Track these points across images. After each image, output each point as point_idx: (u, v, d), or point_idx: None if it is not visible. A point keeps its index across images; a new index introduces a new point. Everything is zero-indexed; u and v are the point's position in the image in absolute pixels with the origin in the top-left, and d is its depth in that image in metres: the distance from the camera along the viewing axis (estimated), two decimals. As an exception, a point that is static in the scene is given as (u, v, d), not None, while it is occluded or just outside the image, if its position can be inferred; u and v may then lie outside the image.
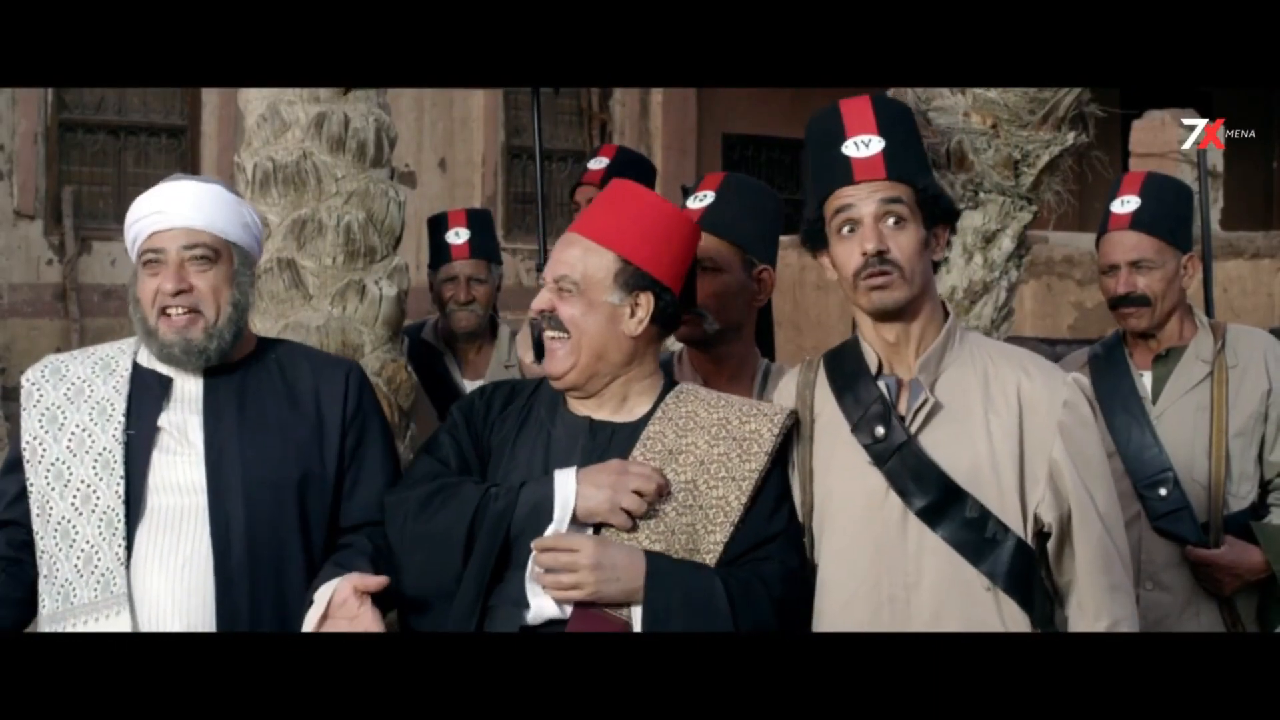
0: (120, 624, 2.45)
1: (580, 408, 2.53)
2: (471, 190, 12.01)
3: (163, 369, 2.64)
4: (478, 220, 4.53)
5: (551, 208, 9.81)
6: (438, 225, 4.50)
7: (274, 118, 3.72)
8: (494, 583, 2.39)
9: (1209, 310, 3.62)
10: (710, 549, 2.39)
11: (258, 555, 2.53)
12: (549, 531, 2.36)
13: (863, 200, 2.37)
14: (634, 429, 2.48)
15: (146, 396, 2.60)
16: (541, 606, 2.35)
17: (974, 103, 3.93)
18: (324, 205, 3.69)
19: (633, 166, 4.41)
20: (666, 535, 2.38)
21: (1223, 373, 3.21)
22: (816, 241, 2.48)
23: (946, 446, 2.35)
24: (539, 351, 2.85)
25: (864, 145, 2.38)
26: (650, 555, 2.35)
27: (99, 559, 2.49)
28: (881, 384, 2.41)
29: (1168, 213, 3.26)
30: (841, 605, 2.40)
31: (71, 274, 10.36)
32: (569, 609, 2.34)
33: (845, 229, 2.39)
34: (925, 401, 2.37)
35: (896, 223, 2.36)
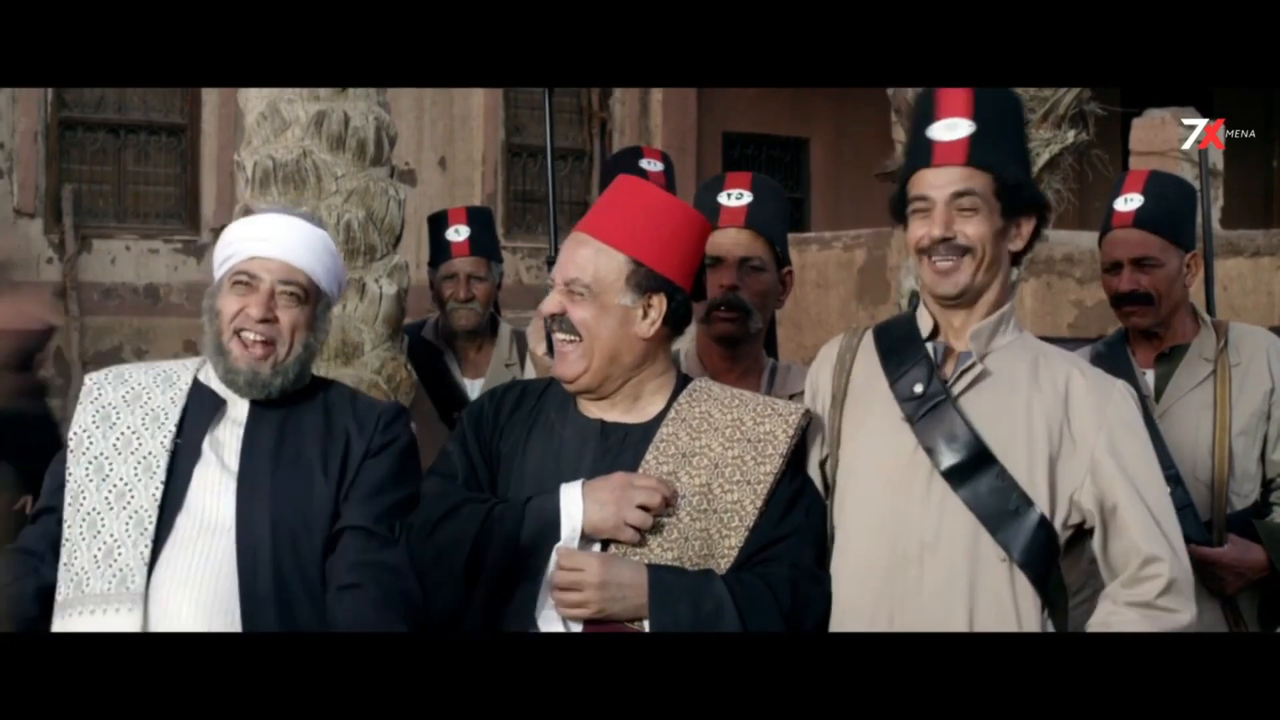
0: (129, 622, 2.45)
1: (591, 409, 2.51)
2: (471, 189, 12.00)
3: (219, 388, 2.67)
4: (478, 218, 4.53)
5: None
6: (438, 223, 4.50)
7: (274, 116, 3.72)
8: (502, 601, 2.38)
9: (1210, 309, 3.62)
10: (725, 554, 2.38)
11: (282, 589, 2.53)
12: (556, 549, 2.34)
13: (937, 184, 2.39)
14: (646, 430, 2.46)
15: (199, 413, 2.64)
16: (550, 628, 2.34)
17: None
18: (324, 203, 3.69)
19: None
20: (680, 542, 2.37)
21: (1226, 371, 3.20)
22: (899, 215, 2.50)
23: (983, 414, 2.37)
24: (552, 346, 2.85)
25: (951, 129, 2.39)
26: (654, 571, 2.32)
27: (120, 553, 2.51)
28: (930, 346, 2.44)
29: (1171, 211, 3.25)
30: (858, 561, 2.41)
31: (71, 272, 10.35)
32: (576, 627, 2.33)
33: (920, 208, 2.41)
34: (972, 365, 2.38)
35: (967, 209, 2.37)
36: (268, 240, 2.65)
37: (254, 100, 3.78)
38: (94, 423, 2.63)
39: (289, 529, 2.56)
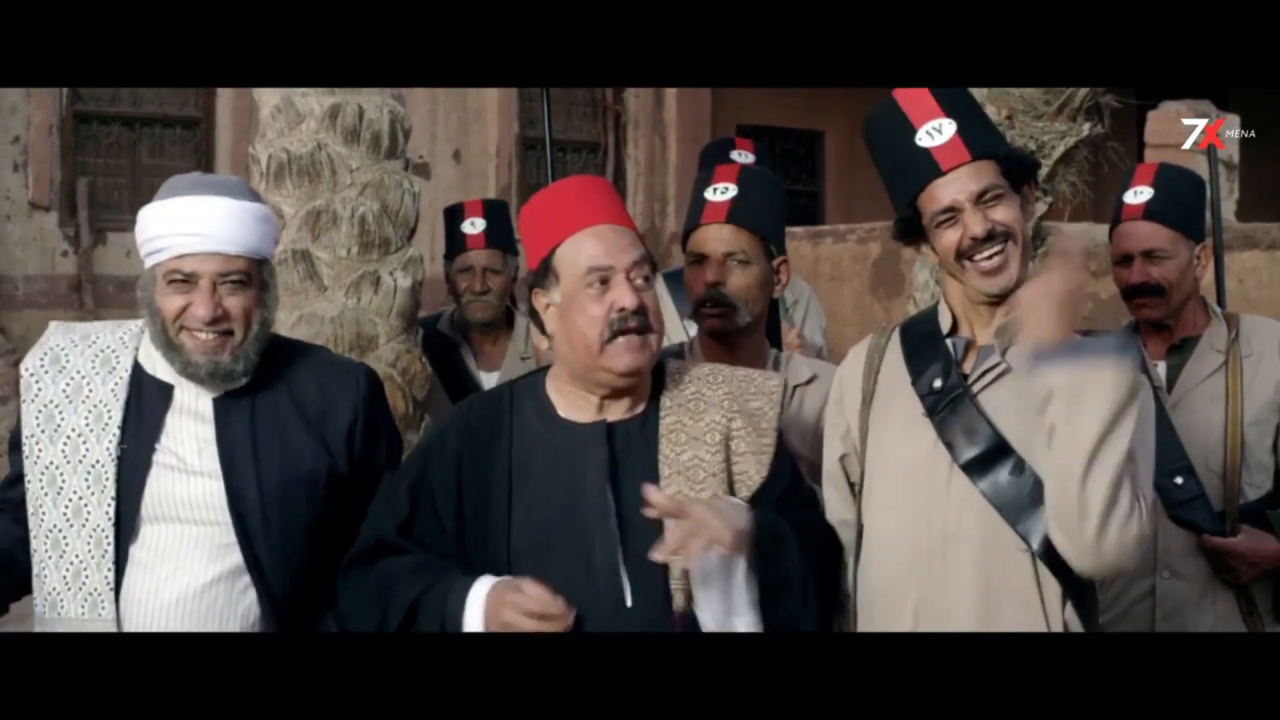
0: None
1: (584, 410, 2.43)
2: (485, 181, 12.01)
3: (165, 377, 2.57)
4: (494, 210, 4.55)
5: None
6: (454, 215, 4.52)
7: (288, 109, 3.73)
8: None
9: (1220, 301, 3.62)
10: None
11: (287, 567, 2.52)
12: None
13: (958, 186, 2.38)
14: (644, 423, 2.42)
15: (146, 406, 2.54)
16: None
17: (989, 94, 3.92)
18: (338, 196, 3.71)
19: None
20: None
21: (1237, 362, 3.20)
22: (910, 235, 2.48)
23: (1002, 407, 2.38)
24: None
25: (937, 132, 2.39)
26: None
27: (87, 577, 2.47)
28: (949, 342, 2.46)
29: (1180, 203, 3.25)
30: (884, 554, 2.45)
31: (86, 265, 10.38)
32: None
33: (946, 217, 2.40)
34: (997, 365, 2.40)
35: (994, 199, 2.37)
36: (198, 234, 2.47)
37: (268, 94, 3.79)
38: (39, 426, 2.53)
39: (281, 513, 2.51)
